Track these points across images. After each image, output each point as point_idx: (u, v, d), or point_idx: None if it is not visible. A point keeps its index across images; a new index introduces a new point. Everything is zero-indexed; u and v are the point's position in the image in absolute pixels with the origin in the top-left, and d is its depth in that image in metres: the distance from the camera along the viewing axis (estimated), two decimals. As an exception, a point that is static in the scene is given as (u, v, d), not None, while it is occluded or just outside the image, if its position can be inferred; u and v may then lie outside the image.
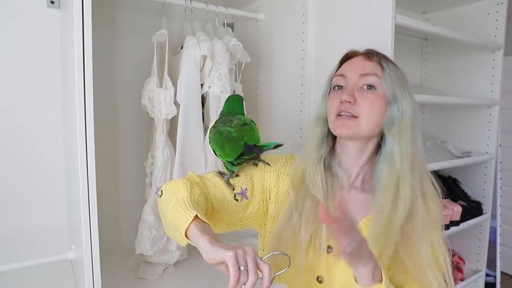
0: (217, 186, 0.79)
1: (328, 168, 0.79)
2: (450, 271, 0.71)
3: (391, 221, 0.69)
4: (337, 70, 0.81)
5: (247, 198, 0.80)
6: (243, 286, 0.55)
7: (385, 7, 1.02)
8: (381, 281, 0.61)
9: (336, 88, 0.78)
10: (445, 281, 0.69)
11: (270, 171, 0.83)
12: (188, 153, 1.15)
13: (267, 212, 0.84)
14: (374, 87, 0.74)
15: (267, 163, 0.84)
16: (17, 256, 1.04)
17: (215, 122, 0.86)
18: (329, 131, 0.79)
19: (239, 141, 0.78)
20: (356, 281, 0.63)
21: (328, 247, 0.74)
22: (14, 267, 1.00)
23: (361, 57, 0.78)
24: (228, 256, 0.56)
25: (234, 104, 0.89)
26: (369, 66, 0.75)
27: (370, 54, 0.77)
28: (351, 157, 0.78)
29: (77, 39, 0.83)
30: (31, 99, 1.18)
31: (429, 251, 0.69)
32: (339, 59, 0.82)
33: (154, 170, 1.16)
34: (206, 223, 0.66)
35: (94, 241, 0.88)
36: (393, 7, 1.01)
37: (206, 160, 1.18)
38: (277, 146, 0.80)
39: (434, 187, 0.75)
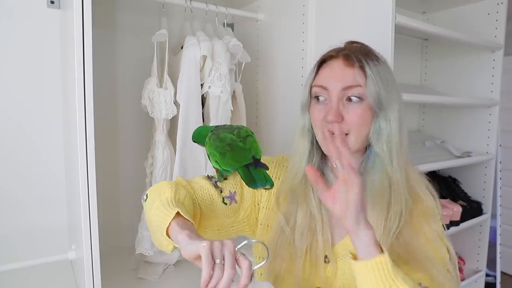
0: (205, 189, 0.76)
1: (321, 173, 0.75)
2: (455, 261, 0.69)
3: (386, 226, 0.67)
4: (315, 75, 0.74)
5: (236, 202, 0.78)
6: (218, 282, 0.50)
7: (385, 7, 1.02)
8: (382, 252, 0.56)
9: (318, 99, 0.72)
10: (448, 270, 0.67)
11: None
12: (188, 153, 1.15)
13: (258, 218, 0.81)
14: (360, 98, 0.68)
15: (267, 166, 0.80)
16: (17, 256, 1.04)
17: (213, 128, 0.83)
18: (314, 138, 0.75)
19: (245, 152, 0.75)
20: (355, 258, 0.59)
21: (325, 256, 0.72)
22: (14, 267, 1.00)
23: (341, 62, 0.70)
24: (202, 246, 0.51)
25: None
26: (351, 75, 0.68)
27: (349, 58, 0.69)
28: None
29: (77, 39, 0.83)
30: (31, 99, 1.18)
31: (427, 245, 0.68)
32: (316, 62, 0.75)
33: (154, 170, 1.16)
34: (189, 221, 0.62)
35: (94, 241, 0.88)
36: (393, 7, 1.01)
37: (206, 160, 1.18)
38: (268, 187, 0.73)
39: (427, 183, 0.74)
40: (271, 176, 0.75)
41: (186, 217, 0.62)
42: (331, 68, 0.71)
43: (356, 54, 0.69)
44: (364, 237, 0.57)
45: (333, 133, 0.69)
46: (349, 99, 0.69)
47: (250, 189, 0.79)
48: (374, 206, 0.68)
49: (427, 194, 0.72)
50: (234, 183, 0.80)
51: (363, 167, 0.73)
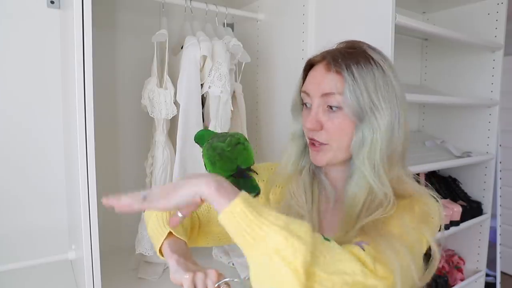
0: None
1: (314, 178, 0.74)
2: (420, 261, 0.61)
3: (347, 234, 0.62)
4: (303, 81, 0.71)
5: None
6: None
7: (385, 7, 1.02)
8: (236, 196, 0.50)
9: (307, 105, 0.70)
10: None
11: (258, 181, 0.77)
12: (188, 153, 1.15)
13: None
14: (339, 107, 0.64)
15: (255, 172, 0.79)
16: (17, 256, 1.04)
17: (213, 136, 0.83)
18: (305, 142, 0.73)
19: (231, 162, 0.75)
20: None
21: None
22: (14, 267, 1.00)
23: (323, 67, 0.66)
24: (184, 279, 0.54)
25: None
26: (328, 82, 0.64)
27: (329, 63, 0.65)
28: (338, 171, 0.72)
29: (77, 39, 0.83)
30: (31, 99, 1.18)
31: (400, 232, 0.59)
32: (304, 66, 0.72)
33: (154, 170, 1.16)
34: (182, 240, 0.65)
35: (94, 241, 0.88)
36: (393, 7, 1.01)
37: (206, 160, 1.18)
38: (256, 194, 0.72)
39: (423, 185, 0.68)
40: (267, 182, 0.76)
41: (178, 236, 0.64)
42: (314, 73, 0.68)
43: (336, 57, 0.64)
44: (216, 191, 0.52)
45: (312, 143, 0.67)
46: (330, 107, 0.65)
47: None
48: (348, 219, 0.64)
49: (420, 200, 0.65)
50: None
51: (346, 179, 0.69)
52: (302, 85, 0.71)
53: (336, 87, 0.63)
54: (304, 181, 0.73)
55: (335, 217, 0.72)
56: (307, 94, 0.68)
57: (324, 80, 0.65)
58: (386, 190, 0.62)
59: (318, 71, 0.67)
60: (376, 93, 0.62)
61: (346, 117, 0.64)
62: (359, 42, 0.70)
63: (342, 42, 0.72)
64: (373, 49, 0.68)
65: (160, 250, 0.66)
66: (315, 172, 0.75)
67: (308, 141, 0.70)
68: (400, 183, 0.65)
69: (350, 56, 0.64)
